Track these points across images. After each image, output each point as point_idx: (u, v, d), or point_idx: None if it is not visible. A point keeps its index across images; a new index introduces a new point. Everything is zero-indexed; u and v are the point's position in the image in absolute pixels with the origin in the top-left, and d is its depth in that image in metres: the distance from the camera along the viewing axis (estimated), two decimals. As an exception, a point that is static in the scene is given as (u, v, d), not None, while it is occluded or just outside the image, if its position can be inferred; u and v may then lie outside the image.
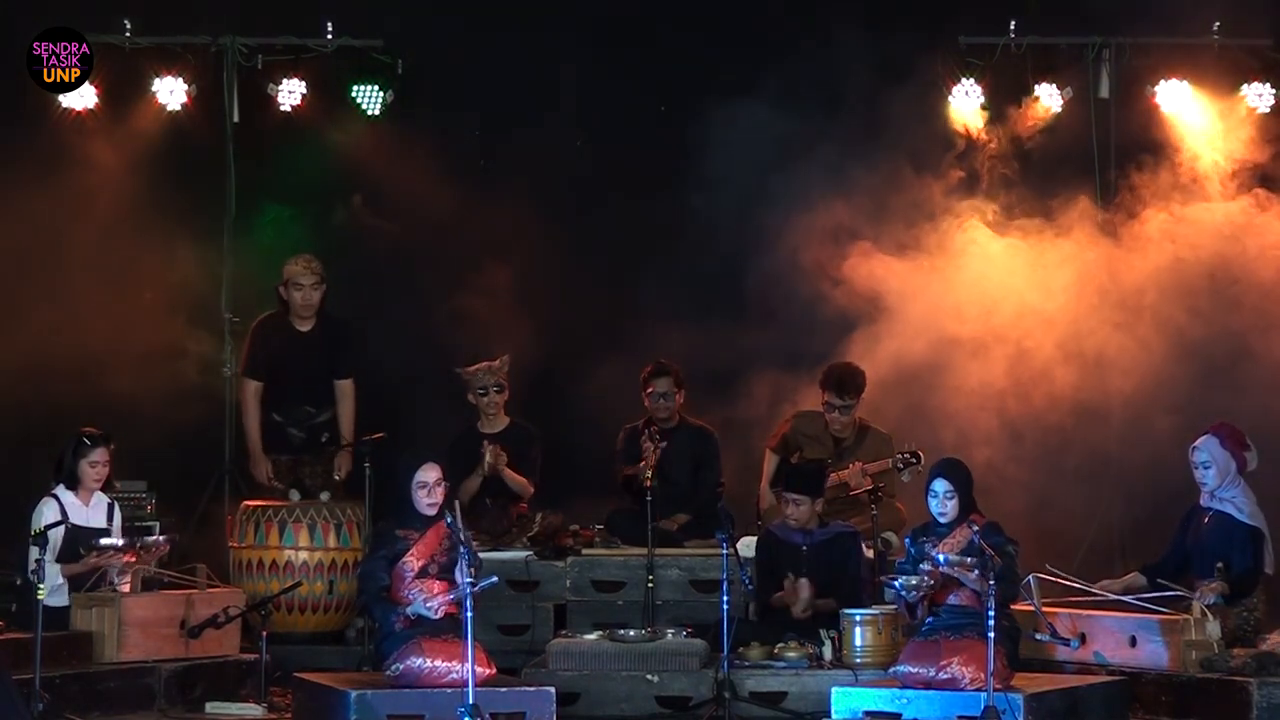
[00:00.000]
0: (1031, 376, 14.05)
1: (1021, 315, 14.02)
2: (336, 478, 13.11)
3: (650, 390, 13.12)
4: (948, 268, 14.04)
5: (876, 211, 14.03)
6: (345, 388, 13.31)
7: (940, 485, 10.91)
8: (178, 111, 14.20)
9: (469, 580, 10.05)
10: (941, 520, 10.90)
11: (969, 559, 10.41)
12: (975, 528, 10.58)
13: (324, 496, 12.87)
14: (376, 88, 14.21)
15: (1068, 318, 14.09)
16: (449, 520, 10.59)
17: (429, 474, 10.88)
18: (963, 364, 13.87)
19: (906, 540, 11.16)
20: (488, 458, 12.89)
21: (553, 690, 10.64)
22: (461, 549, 10.36)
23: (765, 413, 13.73)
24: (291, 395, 13.26)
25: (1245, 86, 14.13)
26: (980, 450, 13.19)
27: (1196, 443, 11.79)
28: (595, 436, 13.27)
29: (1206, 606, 11.12)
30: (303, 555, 12.60)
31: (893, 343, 13.72)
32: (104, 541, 11.54)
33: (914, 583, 10.72)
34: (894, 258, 13.95)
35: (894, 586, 10.82)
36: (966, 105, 14.17)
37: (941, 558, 10.57)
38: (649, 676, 11.35)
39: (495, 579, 10.35)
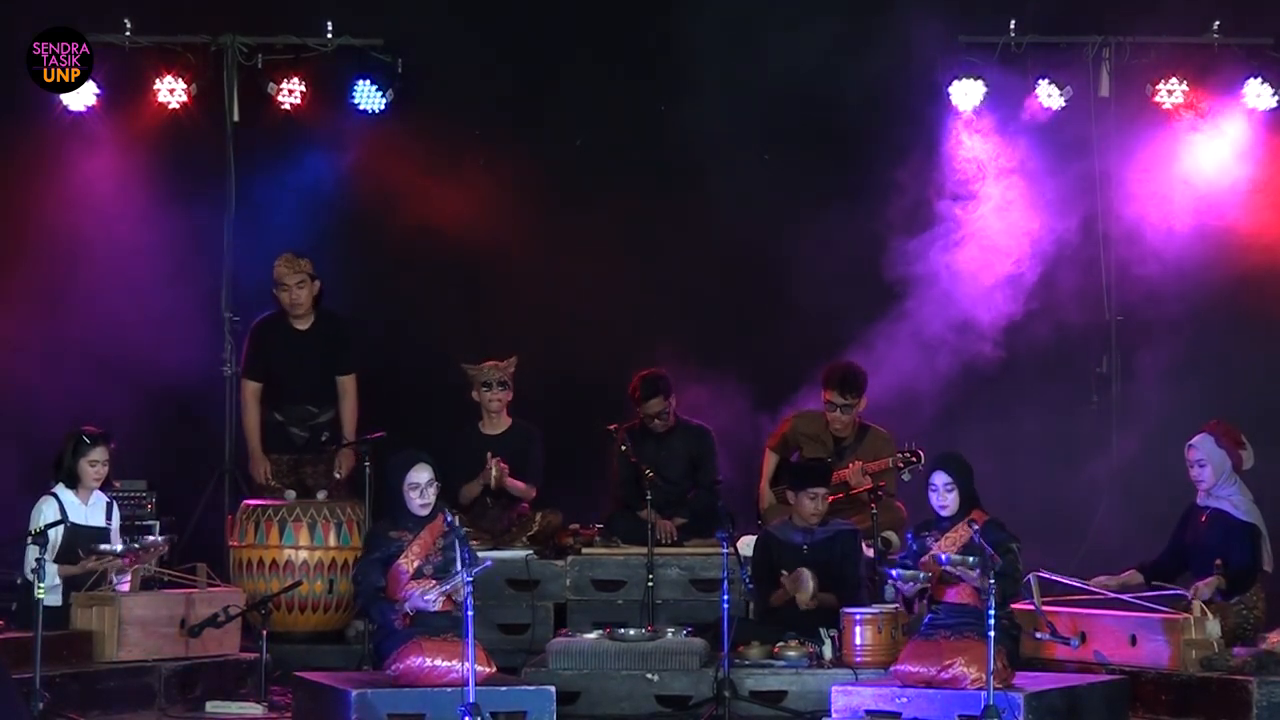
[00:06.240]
0: (1028, 375, 14.14)
1: (1023, 319, 14.09)
2: (337, 475, 13.08)
3: (643, 412, 13.05)
4: (948, 268, 14.07)
5: (879, 209, 14.03)
6: (346, 384, 13.29)
7: (939, 478, 10.93)
8: (178, 111, 14.21)
9: (467, 574, 10.04)
10: (942, 513, 10.90)
11: (970, 558, 10.40)
12: (975, 525, 10.59)
13: (320, 495, 12.85)
14: (376, 87, 14.21)
15: (1068, 316, 14.14)
16: (448, 519, 10.59)
17: (420, 475, 10.88)
18: (958, 363, 13.95)
19: (908, 535, 11.17)
20: (494, 471, 12.86)
21: (553, 689, 10.62)
22: (461, 548, 10.37)
23: (766, 412, 13.72)
24: (292, 395, 13.25)
25: (1245, 86, 14.13)
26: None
27: (1192, 440, 11.80)
28: (596, 436, 13.24)
29: (1204, 603, 11.12)
30: (303, 554, 12.58)
31: (891, 346, 13.75)
32: (103, 547, 11.53)
33: (910, 574, 10.74)
34: (896, 256, 13.97)
35: (891, 576, 10.84)
36: (966, 104, 14.17)
37: (944, 557, 10.57)
38: (649, 675, 11.34)
39: (490, 562, 10.34)
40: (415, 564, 10.79)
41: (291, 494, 12.90)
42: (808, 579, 11.68)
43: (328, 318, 13.30)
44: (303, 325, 13.25)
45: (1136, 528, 13.42)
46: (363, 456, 12.46)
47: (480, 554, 10.81)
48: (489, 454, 12.89)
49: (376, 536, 10.98)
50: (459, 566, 10.30)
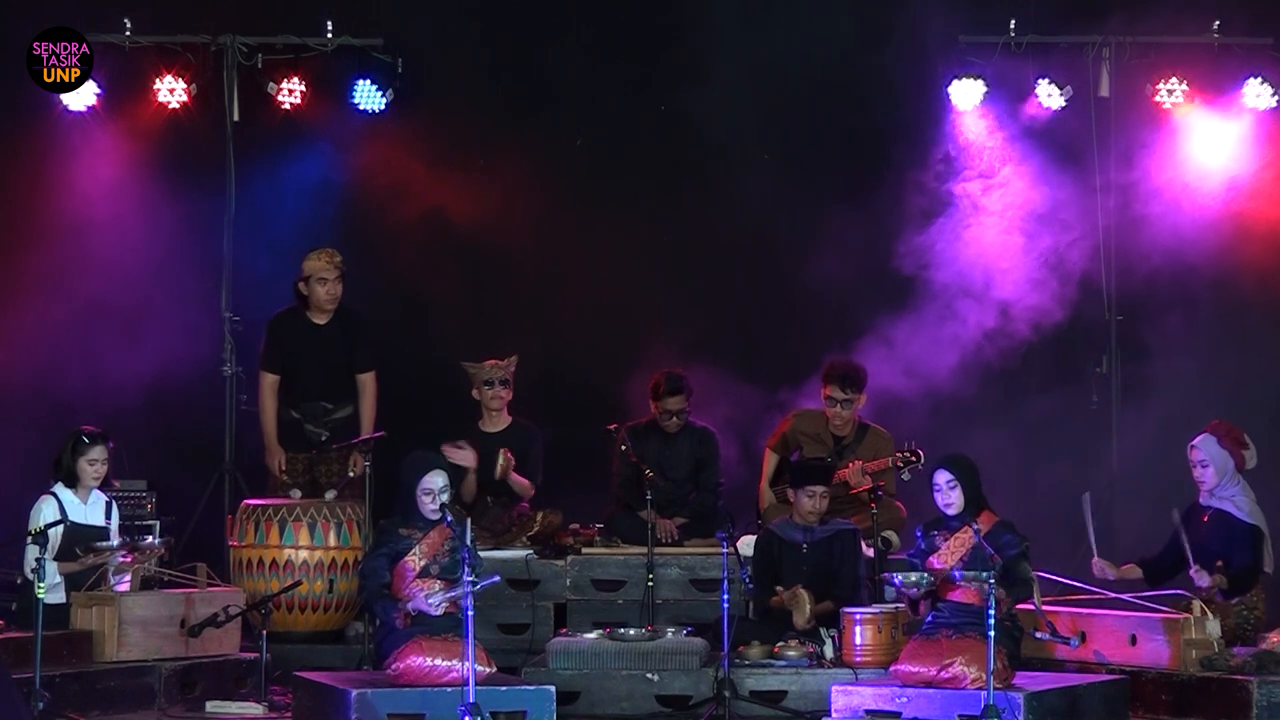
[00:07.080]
0: (1027, 374, 14.15)
1: (1022, 319, 14.09)
2: (351, 474, 13.04)
3: (661, 408, 13.05)
4: (947, 267, 14.07)
5: (879, 208, 14.04)
6: (366, 381, 13.25)
7: (941, 476, 10.92)
8: (178, 111, 14.22)
9: (470, 579, 10.04)
10: (948, 512, 10.89)
11: (984, 573, 10.33)
12: (976, 527, 10.58)
13: (329, 495, 12.84)
14: (376, 87, 14.21)
15: (1067, 316, 14.15)
16: (449, 521, 10.59)
17: (435, 481, 10.89)
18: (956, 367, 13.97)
19: (917, 533, 11.14)
20: (500, 461, 12.86)
21: (553, 689, 10.64)
22: (463, 550, 10.37)
23: (769, 410, 13.72)
24: (308, 391, 13.19)
25: (1245, 86, 14.13)
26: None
27: (1194, 441, 11.82)
28: (596, 436, 13.24)
29: (1204, 603, 11.11)
30: (303, 554, 12.57)
31: (892, 345, 13.75)
32: (100, 544, 11.54)
33: (913, 579, 10.73)
34: (896, 256, 13.97)
35: (894, 583, 10.82)
36: (966, 103, 14.18)
37: (957, 574, 10.56)
38: (649, 675, 11.34)
39: (497, 578, 10.36)
40: (422, 563, 10.80)
41: (297, 493, 12.88)
42: (804, 601, 11.66)
43: (346, 314, 13.27)
44: (321, 320, 13.23)
45: (1138, 528, 13.42)
46: (364, 456, 12.46)
47: (481, 554, 10.80)
48: (501, 450, 12.88)
49: (387, 532, 10.98)
50: (465, 573, 10.25)
